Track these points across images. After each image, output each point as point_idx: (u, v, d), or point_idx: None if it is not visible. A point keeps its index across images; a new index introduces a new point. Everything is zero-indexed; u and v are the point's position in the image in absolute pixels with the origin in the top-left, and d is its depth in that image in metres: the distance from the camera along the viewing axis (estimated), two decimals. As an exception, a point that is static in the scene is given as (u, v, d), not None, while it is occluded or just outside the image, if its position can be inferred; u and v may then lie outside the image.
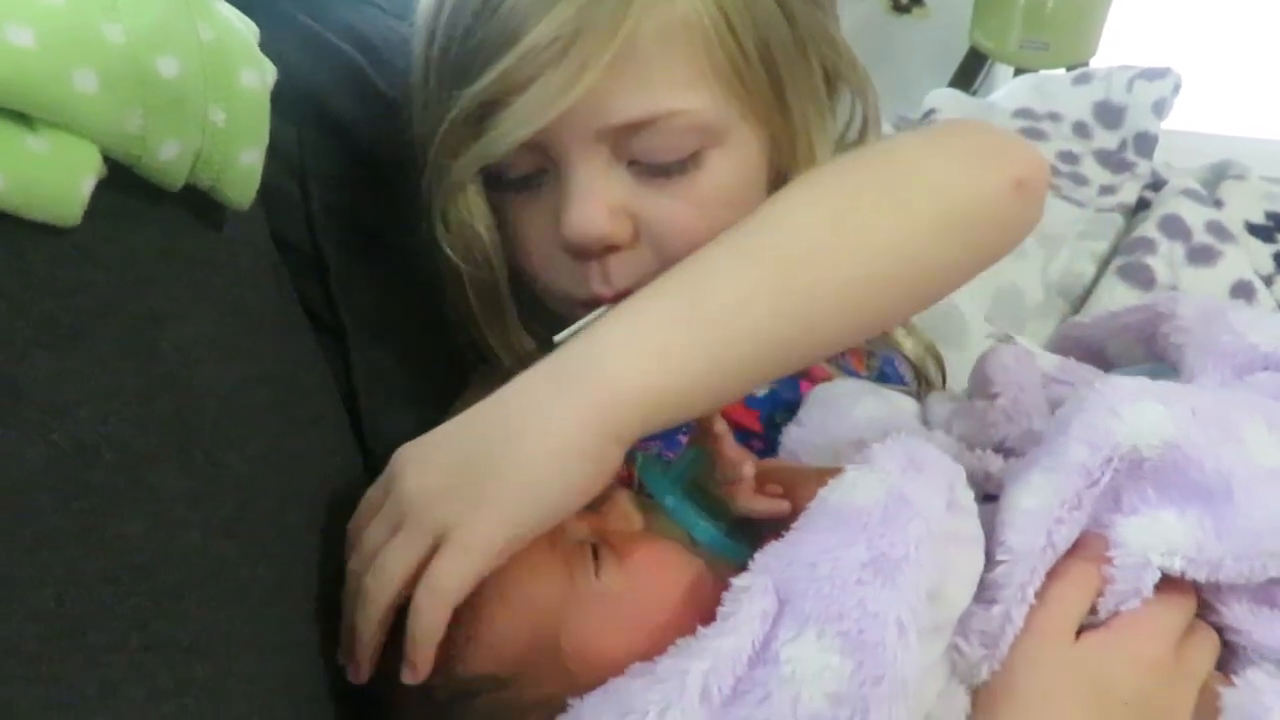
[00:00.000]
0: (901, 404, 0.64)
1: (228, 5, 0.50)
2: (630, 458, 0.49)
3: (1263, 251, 1.03)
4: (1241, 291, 0.96)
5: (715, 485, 0.51)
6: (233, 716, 0.42)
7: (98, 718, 0.37)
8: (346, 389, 0.67)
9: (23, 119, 0.38)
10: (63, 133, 0.39)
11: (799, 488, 0.49)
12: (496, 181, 0.57)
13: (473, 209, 0.56)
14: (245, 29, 0.49)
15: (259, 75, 0.46)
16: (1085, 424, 0.47)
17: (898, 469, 0.45)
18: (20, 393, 0.37)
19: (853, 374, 0.70)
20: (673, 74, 0.52)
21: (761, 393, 0.68)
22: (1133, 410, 0.46)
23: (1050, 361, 0.61)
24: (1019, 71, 1.79)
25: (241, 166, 0.46)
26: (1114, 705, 0.44)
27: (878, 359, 0.71)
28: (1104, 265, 1.00)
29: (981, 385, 0.59)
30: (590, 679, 0.42)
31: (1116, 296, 0.94)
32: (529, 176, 0.56)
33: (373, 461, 0.68)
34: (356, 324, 0.68)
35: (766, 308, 0.48)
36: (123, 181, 0.43)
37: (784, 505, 0.50)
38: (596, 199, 0.53)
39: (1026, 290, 0.97)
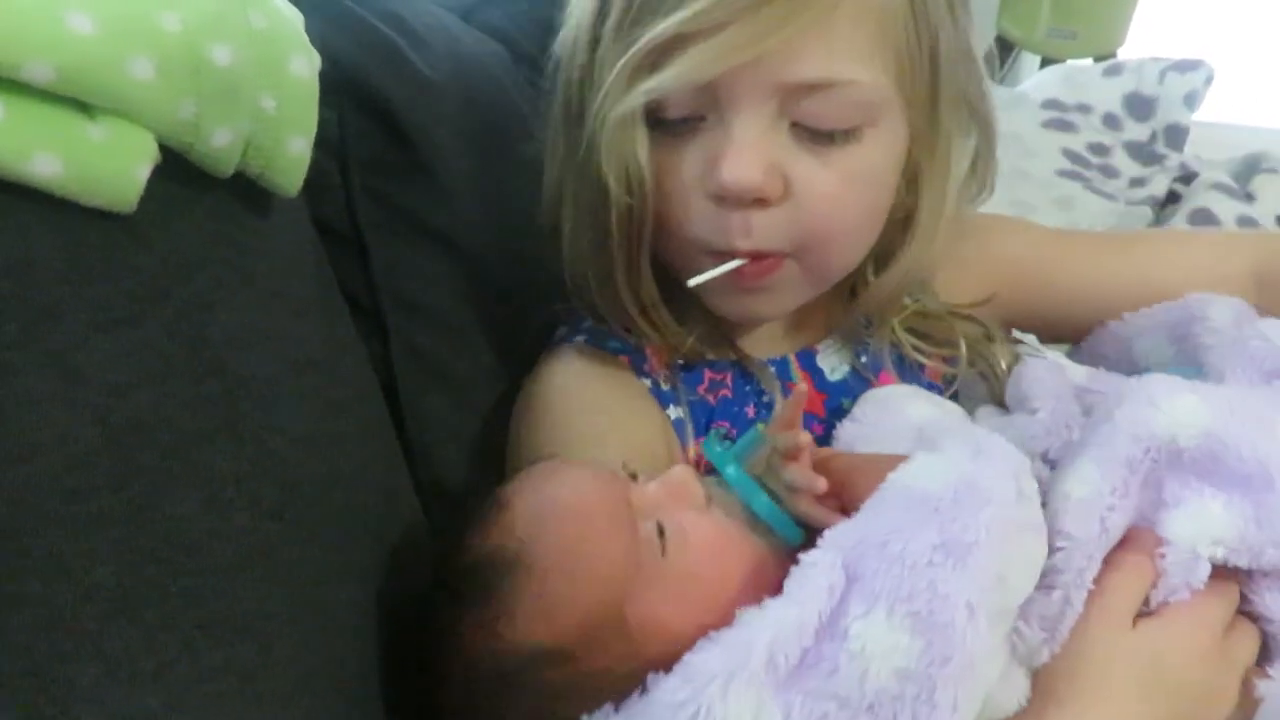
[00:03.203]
0: (953, 410, 0.64)
1: (274, -7, 0.50)
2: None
3: (1294, 247, 1.03)
4: (1272, 287, 0.96)
5: (775, 478, 0.52)
6: (278, 696, 0.43)
7: (151, 695, 0.37)
8: (385, 372, 0.68)
9: (81, 106, 0.39)
10: (120, 120, 0.40)
11: (861, 475, 0.49)
12: (654, 121, 0.57)
13: (637, 139, 0.55)
14: (293, 16, 0.49)
15: (308, 63, 0.47)
16: (1127, 415, 0.48)
17: (967, 456, 0.45)
18: (79, 375, 0.38)
19: (930, 385, 0.70)
20: (857, 46, 0.54)
21: (835, 378, 0.69)
22: (1170, 402, 0.47)
23: (1080, 372, 0.62)
24: (1046, 60, 1.78)
25: (290, 154, 0.47)
26: (1168, 689, 0.45)
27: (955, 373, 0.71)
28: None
29: (1020, 400, 0.60)
30: (653, 652, 0.43)
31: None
32: (686, 120, 0.56)
33: (410, 443, 0.69)
34: (395, 307, 0.69)
35: None
36: (173, 168, 0.43)
37: (838, 518, 0.49)
38: (757, 150, 0.54)
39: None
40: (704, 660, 0.40)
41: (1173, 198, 1.07)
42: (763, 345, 0.68)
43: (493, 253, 0.72)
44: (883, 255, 0.64)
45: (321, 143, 0.65)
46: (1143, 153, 1.13)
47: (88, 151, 0.39)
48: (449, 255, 0.70)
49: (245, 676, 0.42)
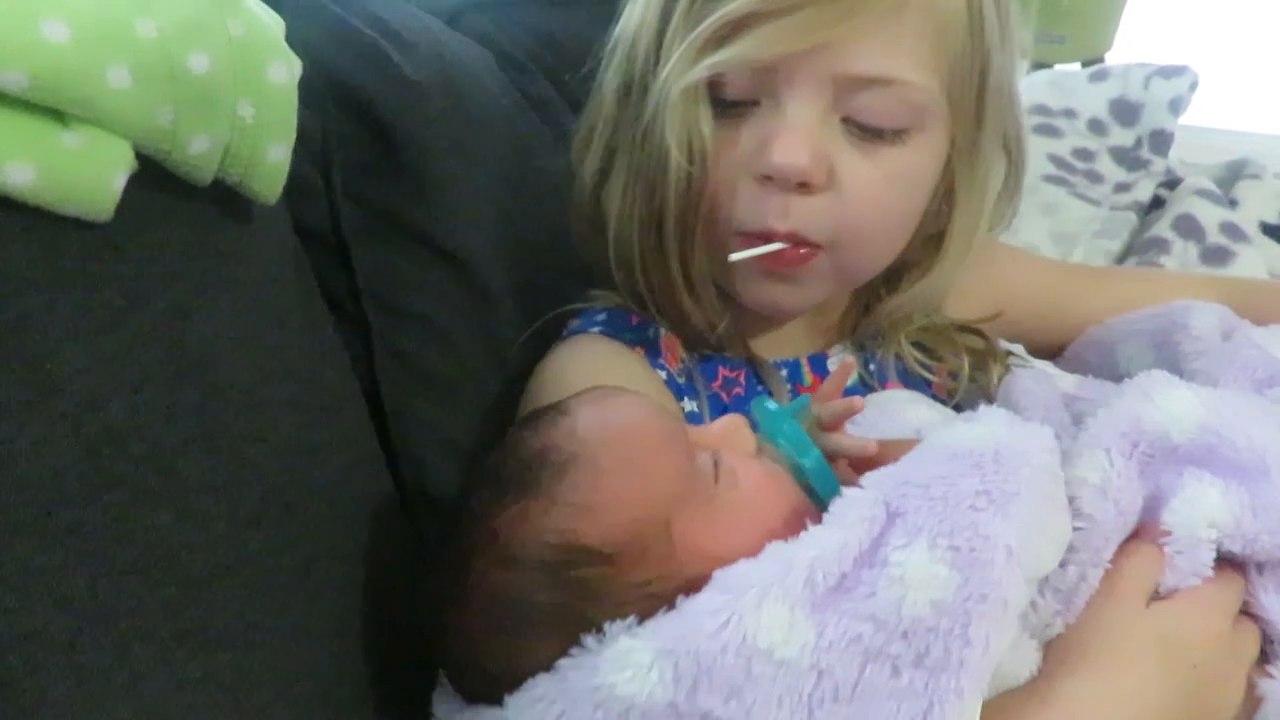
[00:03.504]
0: (951, 416, 0.64)
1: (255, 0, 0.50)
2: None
3: (1277, 252, 1.03)
4: (1255, 293, 0.96)
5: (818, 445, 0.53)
6: (257, 705, 0.43)
7: (124, 707, 0.37)
8: (369, 378, 0.68)
9: (56, 114, 0.39)
10: (96, 128, 0.39)
11: (895, 449, 0.50)
12: (712, 100, 0.58)
13: (700, 111, 0.57)
14: (273, 23, 0.49)
15: (287, 70, 0.47)
16: (1123, 410, 0.48)
17: (1003, 422, 0.46)
18: (54, 384, 0.38)
19: (934, 398, 0.71)
20: (918, 48, 0.56)
21: (852, 382, 0.69)
22: (1165, 397, 0.48)
23: (1068, 381, 0.62)
24: (1035, 64, 1.79)
25: (269, 161, 0.46)
26: (1183, 665, 0.45)
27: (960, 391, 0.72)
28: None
29: (1010, 410, 0.60)
30: (690, 574, 0.43)
31: (1130, 296, 0.94)
32: (740, 102, 0.57)
33: (394, 450, 0.69)
34: (379, 311, 0.68)
35: None
36: (152, 176, 0.43)
37: (872, 444, 0.52)
38: (808, 136, 0.55)
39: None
40: (742, 571, 0.41)
41: (1157, 203, 1.08)
42: (776, 346, 0.69)
43: (481, 256, 0.72)
44: (901, 268, 0.66)
45: (305, 148, 0.65)
46: (1128, 158, 1.14)
47: (62, 159, 0.38)
48: (434, 259, 0.70)
49: (224, 686, 0.42)
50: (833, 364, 0.70)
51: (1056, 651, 0.45)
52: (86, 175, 0.39)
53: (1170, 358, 0.63)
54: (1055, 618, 0.45)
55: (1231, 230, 1.00)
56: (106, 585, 0.38)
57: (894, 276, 0.67)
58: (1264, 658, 0.48)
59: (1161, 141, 1.14)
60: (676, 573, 0.44)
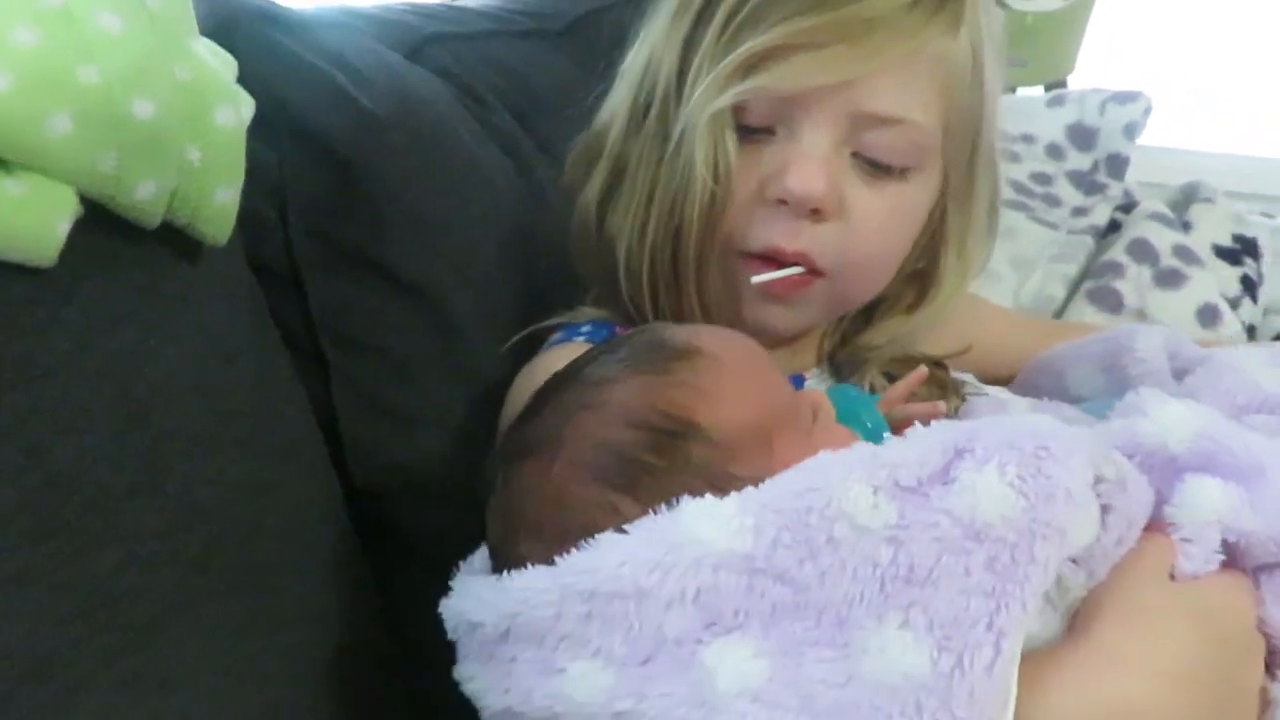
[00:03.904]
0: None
1: (206, 41, 0.50)
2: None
3: (1230, 274, 1.05)
4: (1208, 314, 0.98)
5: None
6: (203, 750, 0.43)
7: (66, 756, 0.37)
8: (327, 412, 0.68)
9: (-1, 162, 0.39)
10: (38, 175, 0.39)
11: None
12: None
13: (726, 135, 0.60)
14: (222, 65, 0.49)
15: (235, 113, 0.47)
16: (1119, 425, 0.49)
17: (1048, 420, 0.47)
18: (-6, 434, 0.38)
19: None
20: (927, 93, 0.60)
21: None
22: (1160, 411, 0.48)
23: (1022, 405, 0.63)
24: (997, 87, 1.81)
25: (217, 204, 0.47)
26: (1213, 638, 0.44)
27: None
28: (1074, 288, 1.01)
29: None
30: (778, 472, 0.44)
31: (1086, 319, 0.96)
32: (757, 130, 0.60)
33: (354, 484, 0.68)
34: (335, 345, 0.68)
35: None
36: (100, 220, 0.43)
37: (941, 405, 0.57)
38: (823, 165, 0.59)
39: (998, 313, 0.98)
40: (828, 456, 0.43)
41: (1114, 226, 1.10)
42: None
43: (442, 287, 0.72)
44: (878, 302, 0.69)
45: (261, 183, 0.66)
46: (1085, 182, 1.16)
47: (5, 207, 0.39)
48: (393, 291, 0.70)
49: (170, 732, 0.42)
50: (810, 385, 0.71)
51: (1087, 610, 0.45)
52: (29, 222, 0.40)
53: (1119, 380, 0.64)
54: (1080, 587, 0.46)
55: (1184, 253, 1.02)
56: (46, 635, 0.37)
57: (872, 309, 0.70)
58: (1268, 670, 0.48)
59: (1117, 165, 1.16)
60: (768, 470, 0.44)
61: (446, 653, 0.74)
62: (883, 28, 0.57)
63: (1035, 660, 0.41)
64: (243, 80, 0.53)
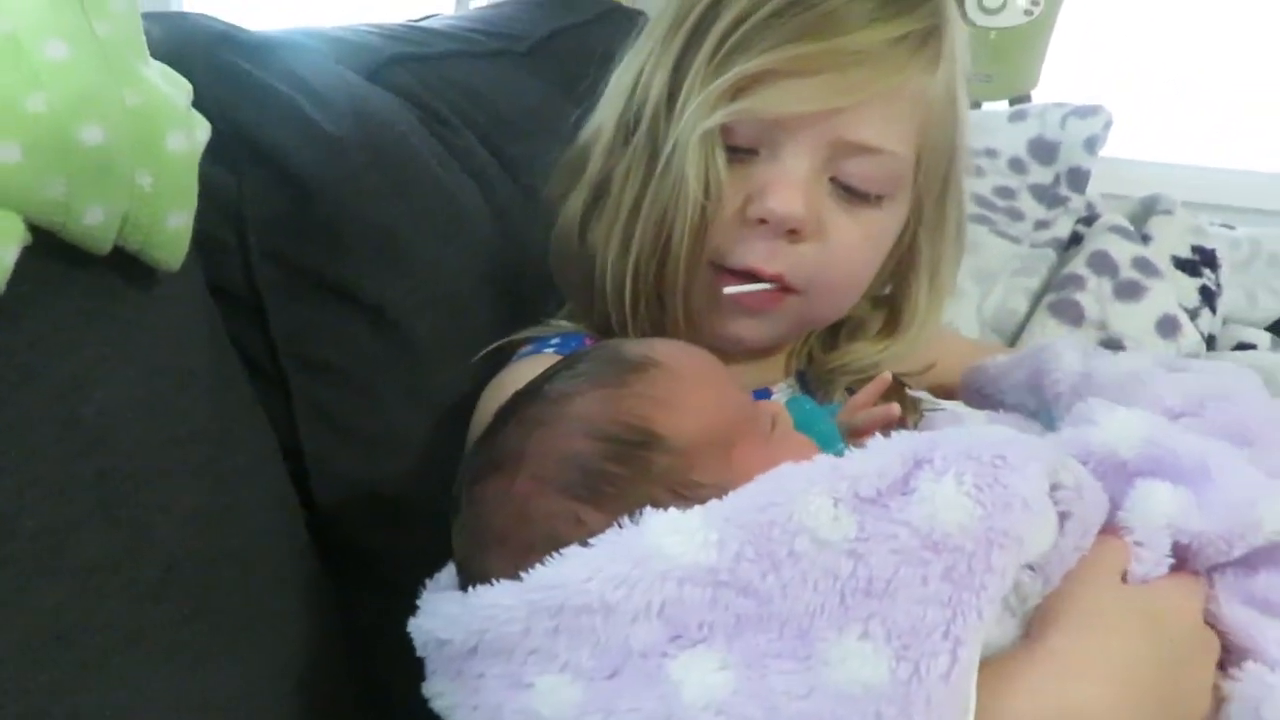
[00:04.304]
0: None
1: (159, 65, 0.50)
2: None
3: (1189, 285, 1.07)
4: (1167, 326, 1.00)
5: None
6: (157, 783, 0.42)
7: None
8: (290, 435, 0.67)
9: (-58, 191, 0.38)
10: (-16, 204, 0.39)
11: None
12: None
13: (717, 153, 0.62)
14: (175, 90, 0.49)
15: (187, 137, 0.47)
16: (1070, 434, 0.50)
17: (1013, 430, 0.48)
18: (-64, 467, 0.37)
19: None
20: (905, 127, 0.62)
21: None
22: (1108, 419, 0.50)
23: (979, 418, 0.64)
24: (962, 102, 1.83)
25: (169, 229, 0.46)
26: (1164, 639, 0.46)
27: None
28: (1036, 301, 1.02)
29: None
30: (739, 484, 0.45)
31: (1048, 332, 0.97)
32: (741, 150, 0.62)
33: (318, 507, 0.68)
34: (297, 368, 0.68)
35: None
36: (49, 246, 0.43)
37: (895, 408, 0.58)
38: (803, 188, 0.61)
39: (963, 328, 1.00)
40: (789, 469, 0.44)
41: (1075, 239, 1.11)
42: None
43: (404, 308, 0.72)
44: (843, 323, 0.72)
45: (220, 209, 0.65)
46: (1047, 195, 1.17)
47: (-52, 237, 0.38)
48: (355, 313, 0.70)
49: (122, 765, 0.41)
50: (777, 398, 0.72)
51: (1042, 616, 0.46)
52: (-26, 251, 0.39)
53: (1046, 400, 0.64)
54: (1036, 596, 0.47)
55: (1144, 265, 1.03)
56: (-9, 670, 0.37)
57: (838, 329, 0.73)
58: (1221, 667, 0.49)
59: (1079, 179, 1.18)
60: (729, 483, 0.45)
61: (413, 677, 0.73)
62: (869, 61, 0.59)
63: (993, 667, 0.42)
64: (199, 104, 0.52)
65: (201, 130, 0.51)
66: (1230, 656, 0.49)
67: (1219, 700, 0.47)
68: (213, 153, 0.56)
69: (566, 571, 0.42)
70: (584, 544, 0.43)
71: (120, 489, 0.44)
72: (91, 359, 0.45)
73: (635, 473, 0.47)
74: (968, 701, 0.39)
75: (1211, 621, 0.49)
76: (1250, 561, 0.49)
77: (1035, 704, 0.42)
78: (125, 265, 0.48)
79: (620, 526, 0.43)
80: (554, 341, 0.70)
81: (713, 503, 0.43)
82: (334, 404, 0.69)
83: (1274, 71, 1.82)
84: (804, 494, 0.42)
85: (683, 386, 0.50)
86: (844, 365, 0.71)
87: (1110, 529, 0.49)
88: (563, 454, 0.47)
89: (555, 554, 0.43)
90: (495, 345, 0.72)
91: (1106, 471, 0.49)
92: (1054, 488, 0.46)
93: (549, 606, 0.41)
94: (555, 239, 0.71)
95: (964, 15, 1.64)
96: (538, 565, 0.43)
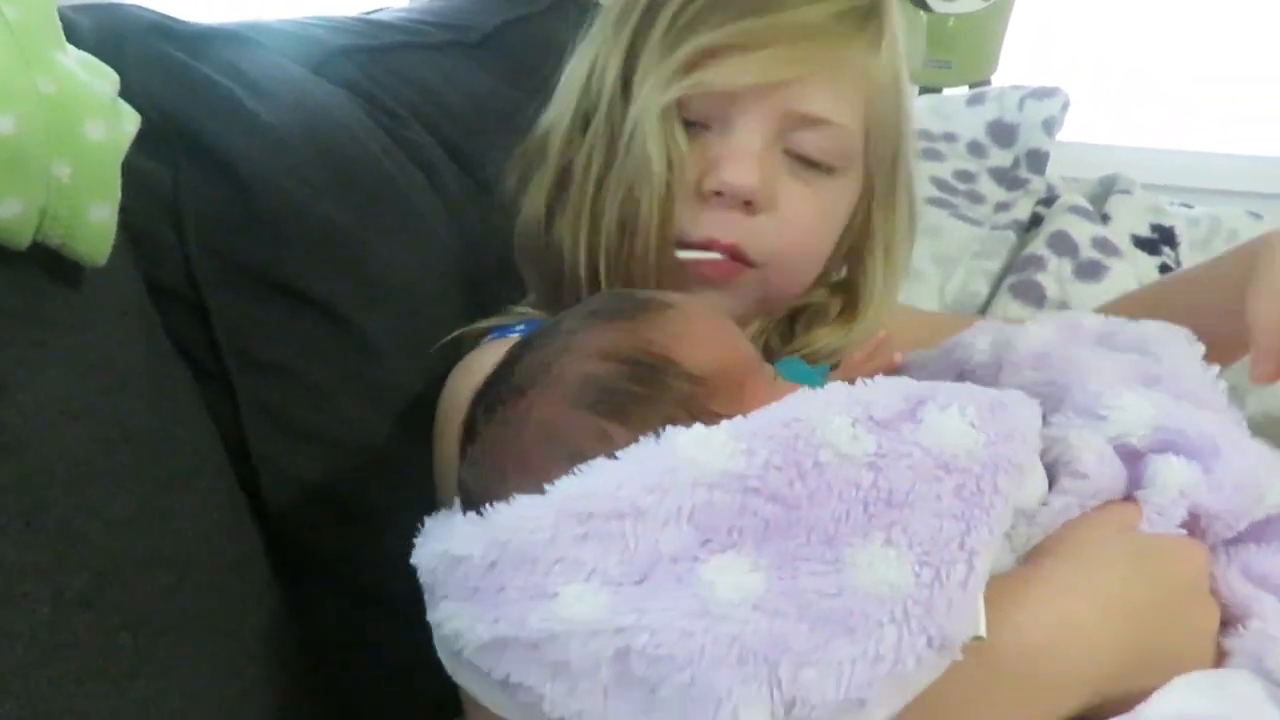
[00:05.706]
0: None
1: (80, 54, 0.48)
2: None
3: (1148, 264, 1.07)
4: (1128, 305, 1.00)
5: None
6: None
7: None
8: (237, 435, 0.65)
9: None
10: (-116, 197, 0.37)
11: None
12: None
13: (674, 125, 0.63)
14: (97, 78, 0.47)
15: (108, 127, 0.45)
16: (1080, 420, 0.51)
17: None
18: None
19: None
20: (852, 100, 0.64)
21: None
22: (1116, 408, 0.50)
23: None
24: (924, 90, 1.84)
25: (92, 222, 0.44)
26: (1160, 580, 0.47)
27: None
28: (997, 283, 1.02)
29: None
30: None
31: (1010, 314, 0.96)
32: (694, 124, 0.63)
33: (271, 511, 0.66)
34: (241, 367, 0.66)
35: None
36: (-39, 242, 0.41)
37: (896, 357, 0.60)
38: (757, 159, 0.62)
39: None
40: (806, 393, 0.45)
41: (1035, 220, 1.11)
42: None
43: (353, 304, 0.70)
44: (803, 308, 0.72)
45: (155, 203, 0.63)
46: (1007, 178, 1.17)
47: None
48: (300, 309, 0.68)
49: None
50: None
51: (1038, 547, 0.48)
52: (-125, 247, 0.37)
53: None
54: (1035, 539, 0.48)
55: (1103, 245, 1.03)
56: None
57: (794, 319, 0.73)
58: (1222, 629, 0.49)
59: (1038, 160, 1.17)
60: (740, 411, 0.46)
61: (372, 681, 0.72)
62: (815, 35, 0.62)
63: (991, 585, 0.44)
64: (130, 96, 0.51)
65: (129, 121, 0.49)
66: (1231, 623, 0.49)
67: (1221, 657, 0.48)
68: (145, 146, 0.54)
69: (595, 481, 0.43)
70: (611, 457, 0.43)
71: (46, 494, 0.42)
72: (12, 359, 0.43)
73: (657, 393, 0.48)
74: (978, 614, 0.41)
75: (1213, 592, 0.50)
76: (1254, 536, 0.50)
77: (1033, 616, 0.44)
78: (48, 262, 0.46)
79: (646, 441, 0.44)
80: (519, 328, 0.69)
81: (737, 418, 0.44)
82: (283, 403, 0.68)
83: (1229, 55, 1.84)
84: (824, 413, 0.43)
85: (696, 325, 0.52)
86: (807, 355, 0.71)
87: (1129, 496, 0.50)
88: (586, 375, 0.48)
89: (579, 468, 0.43)
90: (455, 335, 0.71)
91: (1123, 454, 0.50)
92: (1070, 461, 0.48)
93: (578, 513, 0.42)
94: (519, 233, 0.71)
95: (924, 2, 1.64)
96: (563, 479, 0.43)
